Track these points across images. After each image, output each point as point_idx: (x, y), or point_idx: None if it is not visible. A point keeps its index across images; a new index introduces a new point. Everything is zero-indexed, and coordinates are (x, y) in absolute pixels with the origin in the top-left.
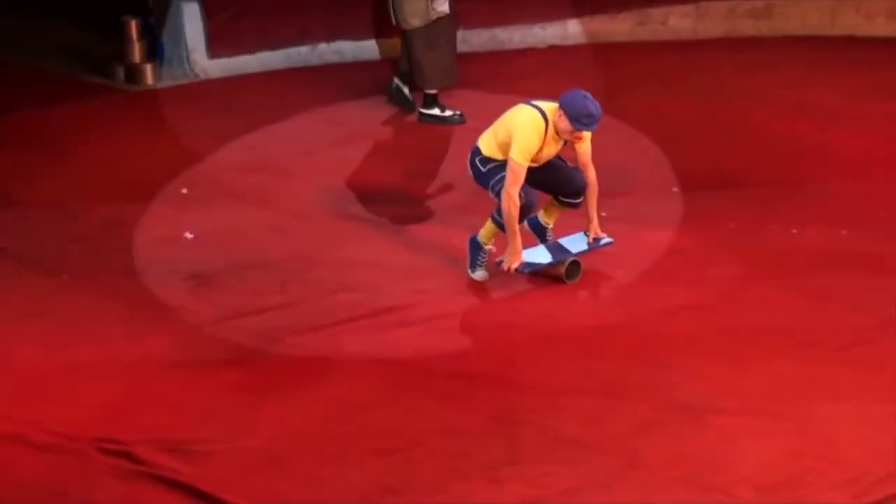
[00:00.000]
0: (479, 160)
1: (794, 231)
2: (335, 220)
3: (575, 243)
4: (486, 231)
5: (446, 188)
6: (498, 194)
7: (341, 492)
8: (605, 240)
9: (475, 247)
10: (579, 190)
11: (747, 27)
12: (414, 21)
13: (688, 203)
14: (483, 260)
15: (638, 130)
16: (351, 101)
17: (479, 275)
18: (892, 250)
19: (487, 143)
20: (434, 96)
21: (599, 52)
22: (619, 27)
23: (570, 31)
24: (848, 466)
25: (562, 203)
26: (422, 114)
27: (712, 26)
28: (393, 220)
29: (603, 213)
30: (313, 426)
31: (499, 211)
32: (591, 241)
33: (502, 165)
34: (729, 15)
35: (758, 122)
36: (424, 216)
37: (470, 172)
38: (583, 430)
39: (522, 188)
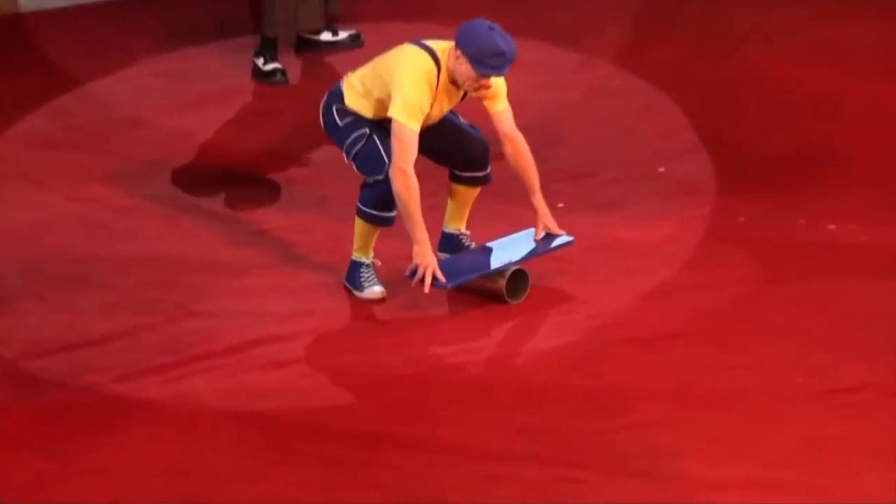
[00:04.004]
0: (337, 109)
1: (832, 227)
2: (174, 216)
3: (519, 245)
4: (356, 238)
5: (324, 168)
6: (354, 160)
7: None
8: (562, 239)
9: (353, 267)
10: (478, 157)
11: None
12: None
13: (680, 187)
14: (369, 274)
15: (609, 88)
16: (199, 45)
17: (371, 292)
18: None
19: (353, 91)
20: (272, 41)
21: None
22: None
23: None
24: None
25: (462, 181)
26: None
27: None
28: (254, 213)
29: (560, 204)
30: None
31: (364, 200)
32: (539, 240)
33: (364, 121)
34: None
35: (774, 72)
36: (296, 207)
37: (321, 120)
38: None
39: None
